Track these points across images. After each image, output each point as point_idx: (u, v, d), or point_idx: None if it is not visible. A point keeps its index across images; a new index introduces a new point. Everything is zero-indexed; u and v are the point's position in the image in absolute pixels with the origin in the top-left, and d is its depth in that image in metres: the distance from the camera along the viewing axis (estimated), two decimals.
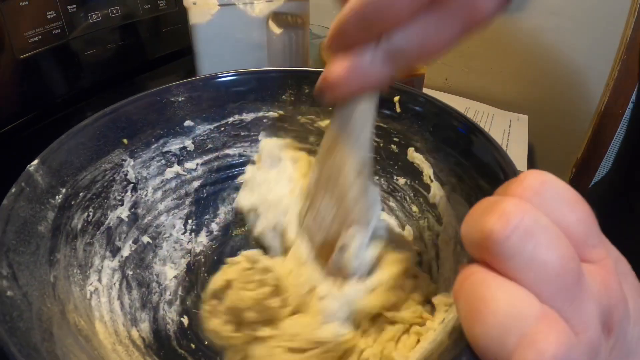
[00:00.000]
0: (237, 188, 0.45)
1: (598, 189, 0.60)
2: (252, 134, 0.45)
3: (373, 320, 0.32)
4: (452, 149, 0.36)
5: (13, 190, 0.28)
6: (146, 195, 0.40)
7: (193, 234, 0.43)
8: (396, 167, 0.41)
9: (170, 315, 0.37)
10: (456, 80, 0.91)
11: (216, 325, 0.31)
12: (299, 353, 0.29)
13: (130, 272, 0.37)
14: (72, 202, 0.32)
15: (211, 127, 0.43)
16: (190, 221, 0.43)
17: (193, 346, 0.35)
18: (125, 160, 0.37)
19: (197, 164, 0.43)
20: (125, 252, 0.37)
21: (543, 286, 0.15)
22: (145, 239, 0.39)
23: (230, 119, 0.43)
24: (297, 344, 0.29)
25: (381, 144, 0.42)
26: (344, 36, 0.21)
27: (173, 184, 0.42)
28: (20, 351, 0.20)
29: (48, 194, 0.31)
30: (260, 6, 0.57)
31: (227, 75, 0.42)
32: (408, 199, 0.41)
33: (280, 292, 0.31)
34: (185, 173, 0.42)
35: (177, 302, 0.39)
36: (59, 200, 0.31)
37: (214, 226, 0.44)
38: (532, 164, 0.86)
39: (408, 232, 0.41)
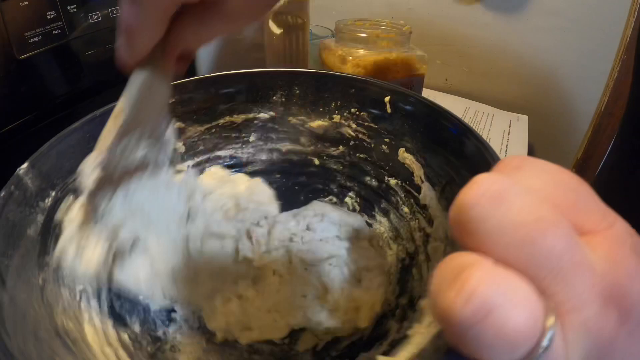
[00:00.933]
0: None
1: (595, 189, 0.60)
2: (243, 135, 0.45)
3: None
4: (443, 149, 0.36)
5: (2, 194, 0.28)
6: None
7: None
8: (387, 168, 0.41)
9: (161, 317, 0.37)
10: (456, 80, 0.91)
11: None
12: None
13: None
14: (62, 205, 0.32)
15: (202, 128, 0.43)
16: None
17: (181, 347, 0.36)
18: None
19: (188, 166, 0.43)
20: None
21: (518, 253, 0.14)
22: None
23: (221, 121, 0.44)
24: None
25: (372, 145, 0.42)
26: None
27: None
28: (4, 354, 0.20)
29: (37, 197, 0.31)
30: None
31: (217, 76, 0.42)
32: (399, 199, 0.41)
33: None
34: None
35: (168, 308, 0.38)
36: (49, 203, 0.31)
37: None
38: None
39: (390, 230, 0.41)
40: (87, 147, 0.34)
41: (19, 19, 0.44)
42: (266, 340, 0.38)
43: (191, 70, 0.61)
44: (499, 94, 0.88)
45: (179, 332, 0.37)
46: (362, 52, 0.61)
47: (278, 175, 0.46)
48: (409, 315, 0.35)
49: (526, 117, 0.81)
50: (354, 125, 0.43)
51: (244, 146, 0.45)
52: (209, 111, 0.43)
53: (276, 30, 0.61)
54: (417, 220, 0.39)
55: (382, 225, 0.42)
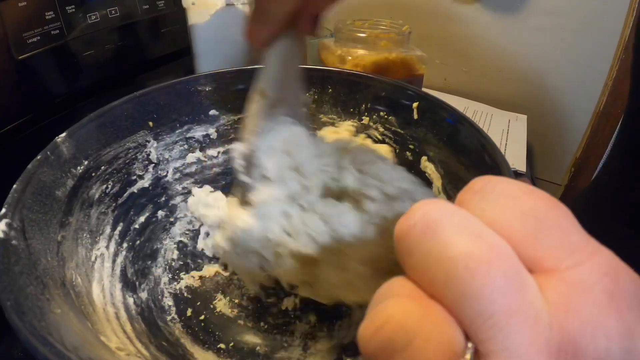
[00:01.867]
0: None
1: (594, 188, 0.60)
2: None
3: None
4: (463, 159, 0.36)
5: (38, 157, 0.31)
6: (166, 175, 0.42)
7: None
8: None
9: (169, 290, 0.39)
10: (455, 80, 0.92)
11: None
12: None
13: (139, 244, 0.39)
14: (93, 174, 0.35)
15: (235, 118, 0.45)
16: None
17: (181, 326, 0.37)
18: (149, 142, 0.40)
19: (219, 152, 0.45)
20: (138, 225, 0.39)
21: (443, 291, 0.12)
22: (160, 215, 0.42)
23: None
24: None
25: (397, 150, 0.42)
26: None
27: (193, 168, 0.44)
28: (4, 289, 0.22)
29: (70, 163, 0.33)
30: None
31: (254, 69, 0.43)
32: None
33: None
34: (206, 159, 0.45)
35: (178, 279, 0.41)
36: (80, 171, 0.34)
37: None
38: (531, 164, 0.86)
39: None
40: (124, 124, 0.38)
41: (17, 19, 0.44)
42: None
43: (191, 69, 0.61)
44: (497, 94, 0.88)
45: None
46: (361, 52, 0.61)
47: None
48: None
49: (525, 116, 0.82)
50: (381, 129, 0.44)
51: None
52: (244, 101, 0.44)
53: None
54: None
55: None
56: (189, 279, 0.41)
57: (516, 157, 0.69)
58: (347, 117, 0.45)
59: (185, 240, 0.43)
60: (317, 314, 0.38)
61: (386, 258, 0.29)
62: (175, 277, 0.41)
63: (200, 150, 0.44)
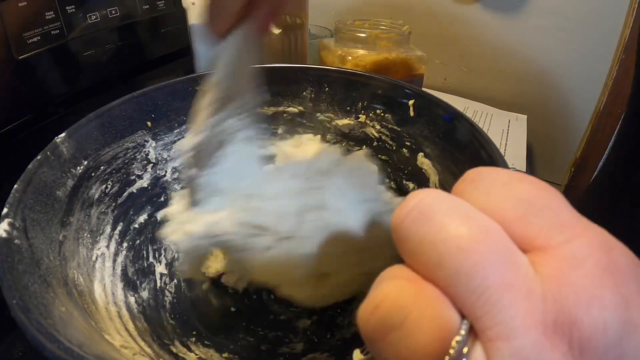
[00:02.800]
0: None
1: (594, 188, 0.60)
2: (272, 127, 0.47)
3: None
4: (459, 155, 0.36)
5: (39, 157, 0.31)
6: (165, 175, 0.42)
7: None
8: (406, 172, 0.42)
9: (170, 289, 0.40)
10: (455, 80, 0.92)
11: None
12: None
13: (139, 243, 0.39)
14: (92, 174, 0.35)
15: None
16: None
17: (182, 324, 0.37)
18: (147, 142, 0.40)
19: None
20: (138, 224, 0.39)
21: (438, 272, 0.13)
22: (159, 215, 0.41)
23: None
24: None
25: (394, 147, 0.43)
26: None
27: None
28: (9, 287, 0.22)
29: (70, 163, 0.33)
30: None
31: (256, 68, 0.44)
32: None
33: None
34: None
35: (179, 278, 0.41)
36: (80, 171, 0.34)
37: None
38: (530, 164, 0.86)
39: None
40: (123, 124, 0.38)
41: (17, 19, 0.44)
42: None
43: (190, 69, 0.61)
44: (497, 94, 0.88)
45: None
46: (361, 52, 0.61)
47: None
48: None
49: (525, 116, 0.82)
50: (377, 127, 0.44)
51: (271, 138, 0.47)
52: None
53: (275, 30, 0.61)
54: None
55: None
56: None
57: (516, 157, 0.69)
58: (344, 115, 0.45)
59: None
60: (319, 310, 0.38)
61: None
62: (176, 275, 0.41)
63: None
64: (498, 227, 0.13)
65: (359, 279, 0.34)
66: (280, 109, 0.46)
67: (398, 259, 0.15)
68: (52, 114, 0.50)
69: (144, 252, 0.40)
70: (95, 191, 0.35)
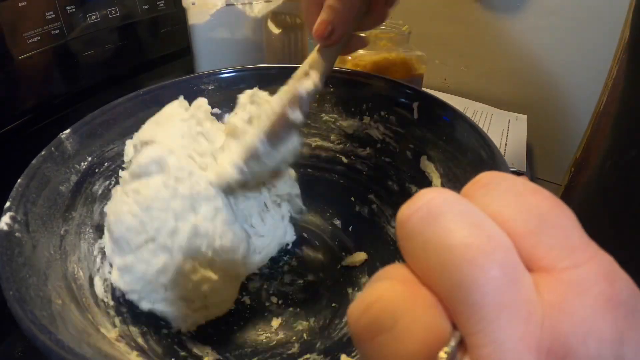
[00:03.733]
0: None
1: (594, 188, 0.60)
2: None
3: None
4: (461, 157, 0.36)
5: (43, 152, 0.31)
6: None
7: None
8: (409, 174, 0.42)
9: None
10: (455, 80, 0.91)
11: None
12: None
13: None
14: (97, 170, 0.36)
15: None
16: None
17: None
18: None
19: None
20: None
21: (438, 279, 0.12)
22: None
23: None
24: None
25: (397, 149, 0.42)
26: None
27: None
28: (6, 279, 0.23)
29: (74, 159, 0.34)
30: (258, 6, 0.57)
31: (256, 68, 0.45)
32: None
33: None
34: None
35: None
36: (84, 167, 0.34)
37: None
38: (530, 164, 0.86)
39: None
40: (127, 121, 0.38)
41: (17, 19, 0.44)
42: None
43: (190, 69, 0.61)
44: (497, 94, 0.88)
45: None
46: (361, 52, 0.61)
47: (308, 170, 0.48)
48: None
49: (525, 116, 0.82)
50: (382, 128, 0.44)
51: None
52: None
53: (275, 30, 0.61)
54: None
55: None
56: None
57: (516, 157, 0.69)
58: (348, 116, 0.45)
59: None
60: (314, 314, 0.38)
61: None
62: None
63: None
64: (507, 240, 0.12)
65: None
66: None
67: None
68: (52, 113, 0.50)
69: None
70: (99, 187, 0.36)
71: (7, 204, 0.27)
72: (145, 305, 0.33)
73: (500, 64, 0.86)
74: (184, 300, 0.34)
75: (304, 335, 0.37)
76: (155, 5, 0.60)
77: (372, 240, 0.43)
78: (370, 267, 0.41)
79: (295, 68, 0.45)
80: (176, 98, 0.41)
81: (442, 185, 0.37)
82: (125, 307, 0.33)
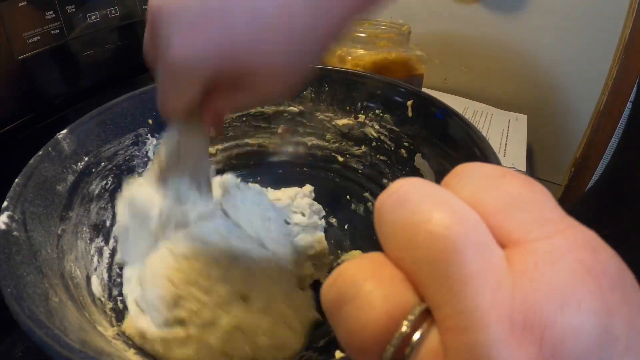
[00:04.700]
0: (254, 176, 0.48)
1: (595, 189, 0.60)
2: (272, 126, 0.47)
3: None
4: (455, 155, 0.36)
5: (40, 152, 0.32)
6: None
7: None
8: (404, 173, 0.42)
9: None
10: (455, 80, 0.91)
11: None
12: None
13: None
14: (93, 170, 0.36)
15: (233, 116, 0.46)
16: None
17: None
18: (148, 139, 0.41)
19: (217, 150, 0.46)
20: None
21: (405, 255, 0.13)
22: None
23: (252, 110, 0.46)
24: None
25: (392, 148, 0.43)
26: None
27: None
28: (4, 277, 0.23)
29: (71, 159, 0.34)
30: None
31: None
32: None
33: None
34: None
35: None
36: (81, 167, 0.35)
37: None
38: (530, 164, 0.86)
39: None
40: (124, 121, 0.39)
41: (17, 19, 0.44)
42: None
43: None
44: (497, 94, 0.88)
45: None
46: (361, 51, 0.61)
47: (304, 169, 0.49)
48: None
49: (525, 116, 0.81)
50: (377, 127, 0.44)
51: (272, 137, 0.47)
52: None
53: None
54: None
55: None
56: None
57: (516, 157, 0.69)
58: (344, 115, 0.45)
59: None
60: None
61: None
62: None
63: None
64: (476, 216, 0.12)
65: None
66: (281, 108, 0.46)
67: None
68: (52, 113, 0.50)
69: None
70: (96, 187, 0.36)
71: (5, 203, 0.27)
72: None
73: (500, 64, 0.86)
74: None
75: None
76: None
77: (368, 238, 0.43)
78: None
79: (323, 67, 0.46)
80: None
81: (436, 182, 0.37)
82: (122, 305, 0.33)
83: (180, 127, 0.31)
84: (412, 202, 0.13)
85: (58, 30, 0.48)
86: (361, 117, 0.45)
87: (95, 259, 0.34)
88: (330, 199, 0.47)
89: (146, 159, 0.41)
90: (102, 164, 0.37)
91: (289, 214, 0.43)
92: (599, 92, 0.79)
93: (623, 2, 0.72)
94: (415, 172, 0.40)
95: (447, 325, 0.11)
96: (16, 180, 0.29)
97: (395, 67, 0.61)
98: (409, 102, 0.41)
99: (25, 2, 0.44)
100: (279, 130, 0.47)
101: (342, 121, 0.45)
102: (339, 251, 0.44)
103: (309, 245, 0.42)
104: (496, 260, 0.12)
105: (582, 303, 0.11)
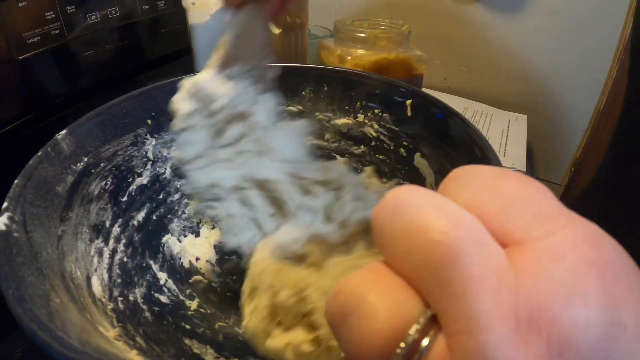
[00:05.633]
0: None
1: (595, 189, 0.60)
2: None
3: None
4: (454, 154, 0.36)
5: (39, 153, 0.32)
6: (164, 173, 0.43)
7: None
8: (403, 172, 0.42)
9: (167, 286, 0.40)
10: (455, 80, 0.91)
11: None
12: None
13: (138, 240, 0.39)
14: (92, 171, 0.36)
15: None
16: None
17: (178, 321, 0.37)
18: (147, 140, 0.41)
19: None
20: (137, 221, 0.40)
21: (405, 262, 0.13)
22: (159, 211, 0.42)
23: None
24: None
25: (391, 147, 0.43)
26: None
27: None
28: (5, 278, 0.23)
29: (70, 160, 0.34)
30: None
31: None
32: None
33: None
34: None
35: (176, 275, 0.41)
36: (80, 167, 0.34)
37: None
38: (530, 164, 0.86)
39: None
40: (123, 122, 0.39)
41: (17, 19, 0.44)
42: None
43: (190, 69, 0.61)
44: (497, 94, 0.88)
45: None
46: (361, 52, 0.61)
47: None
48: None
49: (525, 116, 0.81)
50: (376, 126, 0.44)
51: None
52: None
53: (275, 30, 0.61)
54: None
55: None
56: (186, 275, 0.41)
57: (516, 157, 0.69)
58: (343, 114, 0.45)
59: (183, 236, 0.44)
60: None
61: None
62: (173, 272, 0.41)
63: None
64: (473, 218, 0.12)
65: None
66: (280, 107, 0.46)
67: None
68: (52, 114, 0.50)
69: (143, 248, 0.40)
70: (95, 187, 0.36)
71: (5, 204, 0.27)
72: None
73: (500, 64, 0.86)
74: None
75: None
76: (155, 5, 0.60)
77: None
78: None
79: (295, 68, 0.46)
80: (172, 97, 0.41)
81: (436, 181, 0.38)
82: (123, 306, 0.33)
83: (242, 14, 0.31)
84: (408, 210, 0.13)
85: (58, 31, 0.48)
86: (360, 117, 0.45)
87: (96, 259, 0.34)
88: None
89: (145, 159, 0.41)
90: (102, 164, 0.37)
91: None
92: (599, 92, 0.79)
93: (623, 2, 0.72)
94: (415, 172, 0.40)
95: (453, 329, 0.11)
96: (15, 181, 0.29)
97: (395, 67, 0.61)
98: (408, 102, 0.41)
99: (25, 2, 0.44)
100: None
101: (342, 121, 0.45)
102: None
103: None
104: (496, 260, 0.12)
105: (587, 297, 0.11)
